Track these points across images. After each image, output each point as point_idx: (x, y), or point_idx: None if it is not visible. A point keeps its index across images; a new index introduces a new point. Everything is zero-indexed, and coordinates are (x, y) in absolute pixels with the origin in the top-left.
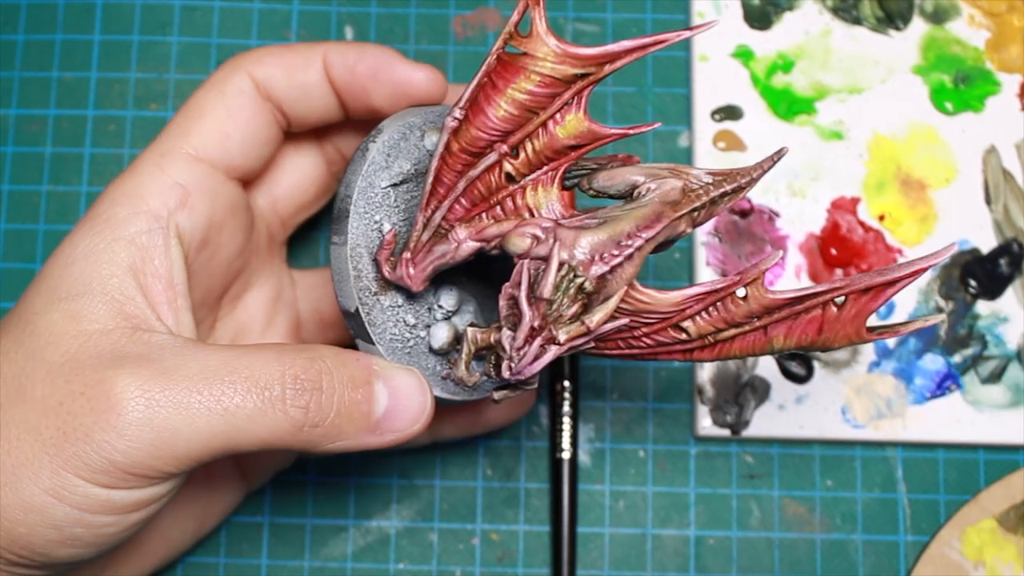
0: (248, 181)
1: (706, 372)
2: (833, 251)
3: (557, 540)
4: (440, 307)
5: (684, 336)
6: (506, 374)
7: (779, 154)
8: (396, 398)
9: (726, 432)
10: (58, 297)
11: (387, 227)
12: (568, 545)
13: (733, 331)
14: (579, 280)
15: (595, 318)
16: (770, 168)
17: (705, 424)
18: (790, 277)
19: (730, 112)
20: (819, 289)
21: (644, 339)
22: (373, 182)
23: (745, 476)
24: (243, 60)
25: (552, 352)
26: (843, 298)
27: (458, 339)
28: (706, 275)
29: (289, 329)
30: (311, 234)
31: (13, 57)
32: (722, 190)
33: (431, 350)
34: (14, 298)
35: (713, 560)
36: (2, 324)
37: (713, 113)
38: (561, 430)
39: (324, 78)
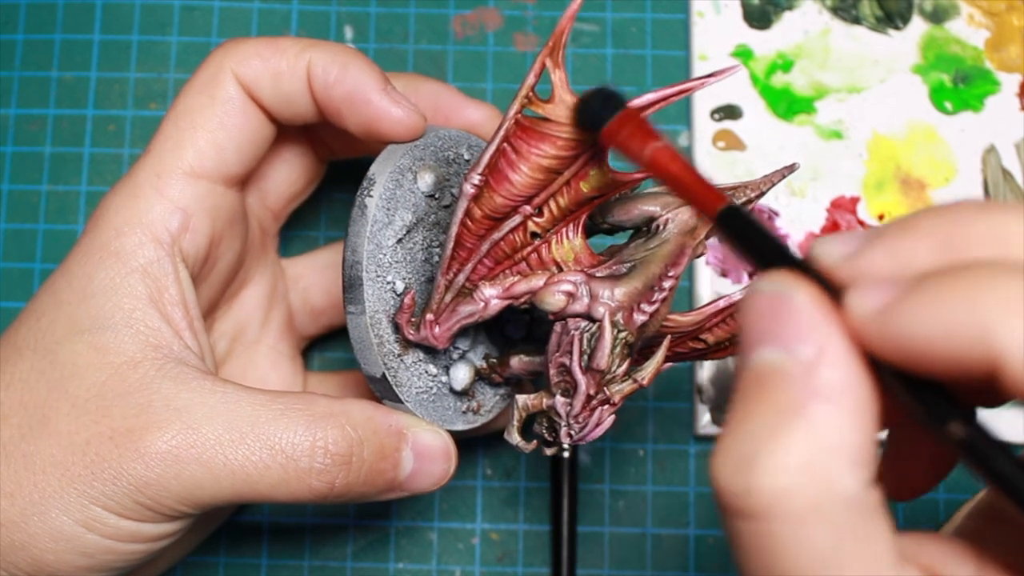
0: (245, 182)
1: (706, 372)
2: None
3: (557, 539)
4: (456, 348)
5: (702, 345)
6: (566, 441)
7: (789, 168)
8: (421, 461)
9: None
10: (81, 329)
11: (400, 286)
12: (568, 544)
13: None
14: (623, 335)
15: (647, 375)
16: (779, 181)
17: (705, 423)
18: None
19: (729, 112)
20: None
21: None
22: (380, 243)
23: None
24: (227, 58)
25: (611, 415)
26: None
27: (477, 374)
28: (706, 274)
29: (284, 321)
30: (301, 232)
31: (13, 57)
32: None
33: (451, 391)
34: (13, 298)
35: (713, 559)
36: (11, 347)
37: (713, 112)
38: None
39: (307, 89)
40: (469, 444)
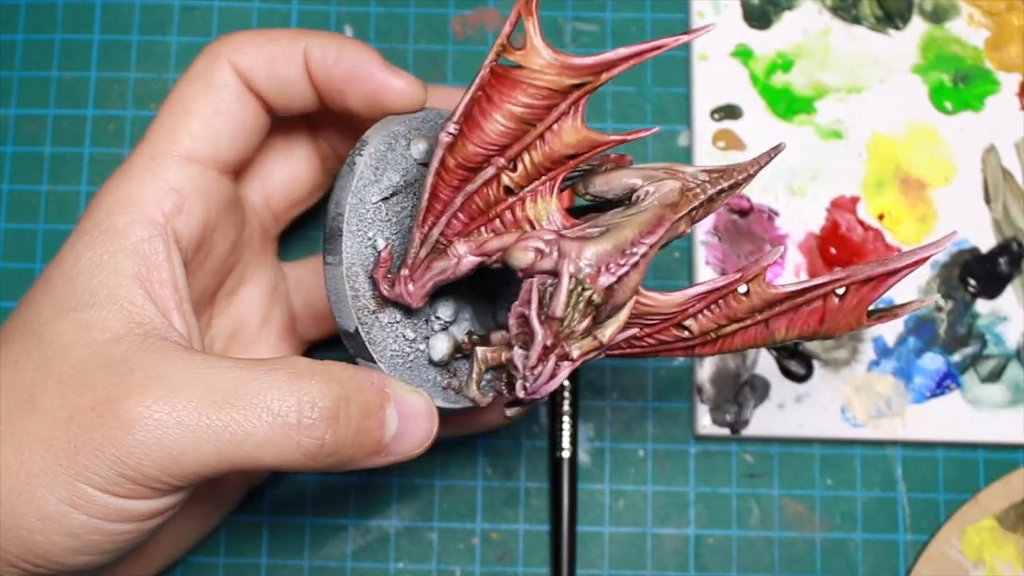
0: (240, 172)
1: (705, 371)
2: (833, 250)
3: (557, 539)
4: (438, 318)
5: (686, 334)
6: (521, 394)
7: (776, 150)
8: (405, 421)
9: (726, 431)
10: (66, 308)
11: (381, 243)
12: (568, 544)
13: (735, 326)
14: (587, 293)
15: (607, 332)
16: (766, 164)
17: (705, 423)
18: (789, 276)
19: (729, 111)
20: (820, 281)
21: (647, 339)
22: (364, 198)
23: (745, 475)
24: (224, 47)
25: (566, 369)
26: (844, 289)
27: (458, 349)
28: (706, 274)
29: (285, 323)
30: (302, 232)
31: (13, 57)
32: (719, 187)
33: (431, 362)
34: (14, 298)
35: (713, 559)
36: (4, 333)
37: (712, 112)
38: (561, 429)
39: (304, 73)
40: (469, 444)
